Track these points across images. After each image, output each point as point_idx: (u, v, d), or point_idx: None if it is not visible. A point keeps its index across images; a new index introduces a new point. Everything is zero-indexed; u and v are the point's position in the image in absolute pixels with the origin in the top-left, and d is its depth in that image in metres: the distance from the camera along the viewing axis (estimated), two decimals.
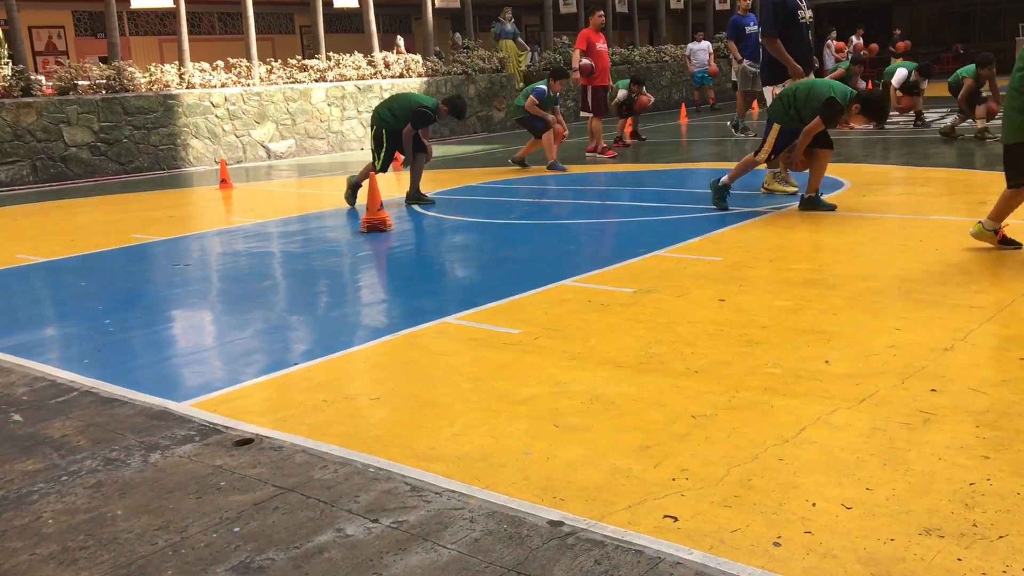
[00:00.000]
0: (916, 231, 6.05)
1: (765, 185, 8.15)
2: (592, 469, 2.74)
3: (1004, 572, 2.07)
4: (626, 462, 2.77)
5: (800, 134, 6.80)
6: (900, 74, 13.07)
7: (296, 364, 4.00)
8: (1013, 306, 4.16)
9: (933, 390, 3.21)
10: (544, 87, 11.12)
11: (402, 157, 9.19)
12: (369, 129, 8.99)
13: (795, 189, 7.88)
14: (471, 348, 4.10)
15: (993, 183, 7.76)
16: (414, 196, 8.84)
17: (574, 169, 11.15)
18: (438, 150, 15.63)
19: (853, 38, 24.04)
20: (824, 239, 5.97)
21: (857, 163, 10.03)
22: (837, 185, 8.25)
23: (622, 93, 13.60)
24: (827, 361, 3.59)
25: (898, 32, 26.69)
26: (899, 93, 13.05)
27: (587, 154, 12.35)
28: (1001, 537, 2.21)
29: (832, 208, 6.99)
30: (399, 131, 8.63)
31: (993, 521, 2.29)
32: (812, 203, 7.04)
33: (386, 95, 17.25)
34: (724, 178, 7.26)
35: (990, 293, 4.40)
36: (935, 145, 10.97)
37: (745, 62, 12.81)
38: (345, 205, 8.93)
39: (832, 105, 6.55)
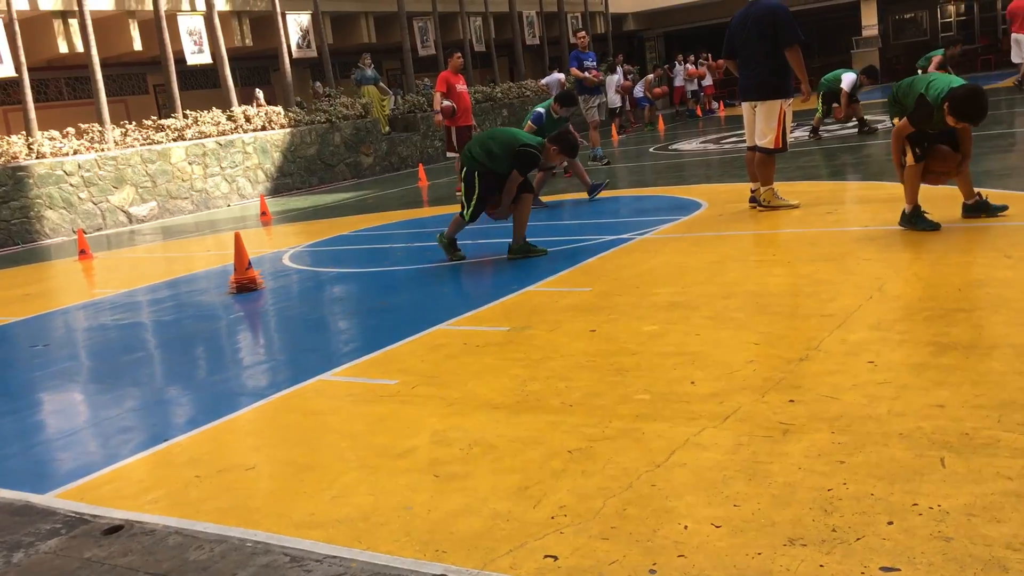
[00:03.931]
0: (770, 246, 6.34)
1: (764, 201, 7.75)
2: (473, 517, 2.76)
3: (862, 573, 2.19)
4: (506, 505, 2.81)
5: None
6: (849, 78, 13.00)
7: (167, 440, 3.88)
8: (859, 312, 4.41)
9: (791, 401, 3.37)
10: (542, 110, 10.24)
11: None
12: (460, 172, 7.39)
13: (797, 204, 7.70)
14: (348, 404, 4.07)
15: (838, 191, 8.23)
16: (521, 248, 7.17)
17: (445, 210, 11.23)
18: (305, 200, 15.49)
19: (704, 59, 25.14)
20: (685, 261, 6.19)
21: (713, 183, 10.47)
22: (695, 206, 8.58)
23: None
24: (693, 382, 3.73)
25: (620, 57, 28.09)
26: (853, 99, 13.22)
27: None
28: (859, 539, 2.34)
29: (1005, 208, 6.19)
30: (495, 174, 7.11)
31: (850, 524, 2.42)
32: (977, 209, 6.21)
33: (249, 149, 17.00)
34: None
35: (839, 301, 4.66)
36: (790, 159, 11.55)
37: (581, 98, 13.33)
38: (228, 261, 8.72)
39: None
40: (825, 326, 4.26)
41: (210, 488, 3.27)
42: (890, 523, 2.40)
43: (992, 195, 6.45)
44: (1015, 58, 16.96)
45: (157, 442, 3.87)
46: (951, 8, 32.20)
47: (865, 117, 13.64)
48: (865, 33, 28.98)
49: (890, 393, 3.32)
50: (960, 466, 2.68)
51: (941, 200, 6.74)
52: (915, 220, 6.03)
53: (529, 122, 10.24)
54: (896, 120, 6.06)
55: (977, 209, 6.16)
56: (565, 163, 9.18)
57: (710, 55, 25.45)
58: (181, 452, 3.72)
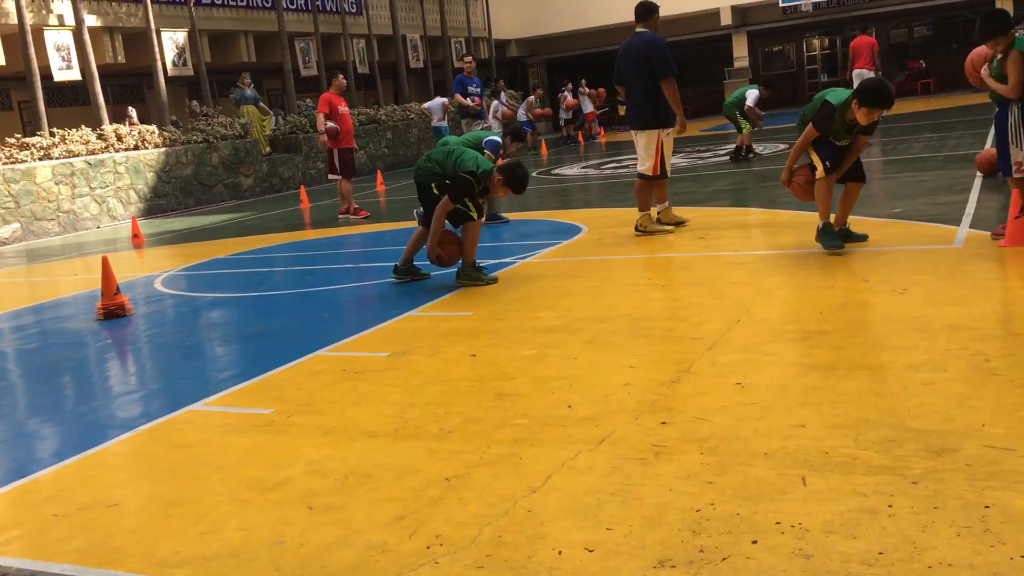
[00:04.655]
0: (646, 270, 6.51)
1: (640, 226, 7.88)
2: (347, 549, 2.71)
3: None
4: (381, 536, 2.77)
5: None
6: (753, 95, 13.49)
7: (23, 478, 3.67)
8: (729, 334, 4.57)
9: (663, 423, 3.45)
10: (498, 138, 9.43)
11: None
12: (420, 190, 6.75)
13: (671, 229, 7.86)
14: (220, 435, 3.94)
15: (710, 217, 8.50)
16: (469, 274, 6.64)
17: (328, 233, 11.08)
18: (181, 222, 15.02)
19: (583, 88, 25.70)
20: (565, 285, 6.28)
21: (593, 208, 10.68)
22: (576, 230, 8.73)
23: None
24: (570, 406, 3.78)
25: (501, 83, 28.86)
26: (758, 111, 13.62)
27: (340, 216, 12.32)
28: (724, 559, 2.41)
29: (864, 237, 6.40)
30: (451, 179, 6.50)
31: (717, 544, 2.49)
32: (843, 236, 6.36)
33: (121, 169, 16.41)
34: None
35: (709, 324, 4.81)
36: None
37: (464, 122, 13.48)
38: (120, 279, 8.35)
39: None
40: (696, 349, 4.39)
41: (70, 527, 3.11)
42: (754, 542, 2.48)
43: (850, 221, 6.78)
44: None
45: (9, 481, 3.65)
46: (816, 42, 33.90)
47: (752, 144, 14.10)
48: (736, 64, 30.20)
49: (756, 414, 3.44)
50: (820, 484, 2.79)
51: (804, 226, 7.06)
52: (825, 237, 6.14)
53: (487, 151, 10.07)
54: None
55: (844, 238, 6.37)
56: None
57: (584, 82, 26.05)
58: (41, 489, 3.52)
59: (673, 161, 8.15)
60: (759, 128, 14.21)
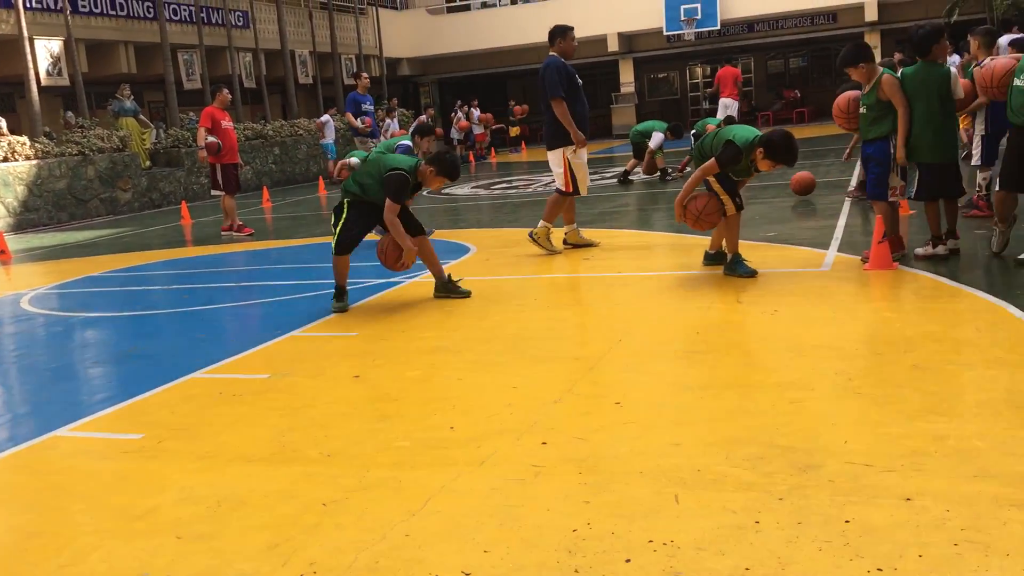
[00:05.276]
0: (531, 291, 6.57)
1: (536, 236, 8.00)
2: None
3: None
4: (253, 565, 2.69)
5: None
6: (658, 138, 13.72)
7: None
8: (610, 355, 4.65)
9: (544, 443, 3.48)
10: (407, 141, 9.42)
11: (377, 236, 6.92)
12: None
13: (561, 250, 7.98)
14: (86, 462, 3.77)
15: (595, 238, 8.65)
16: (445, 286, 6.52)
17: (210, 250, 10.77)
18: (53, 237, 14.35)
19: (473, 109, 25.89)
20: (453, 305, 6.27)
21: (484, 228, 10.72)
22: (464, 250, 8.75)
23: None
24: (452, 427, 3.77)
25: (512, 103, 29.17)
26: (656, 159, 13.82)
27: (223, 233, 12.01)
28: None
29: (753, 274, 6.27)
30: (370, 204, 6.36)
31: (592, 564, 2.52)
32: (717, 259, 6.54)
33: None
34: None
35: (592, 345, 4.89)
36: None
37: (358, 140, 13.40)
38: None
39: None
40: (579, 369, 4.45)
41: None
42: (628, 561, 2.52)
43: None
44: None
45: None
46: (698, 70, 35.04)
47: (665, 166, 14.34)
48: (623, 90, 30.93)
49: (634, 433, 3.51)
50: (692, 501, 2.86)
51: (685, 248, 7.26)
52: (736, 266, 6.28)
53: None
54: None
55: (717, 259, 6.59)
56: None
57: (476, 103, 26.26)
58: None
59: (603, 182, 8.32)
60: (654, 170, 14.32)
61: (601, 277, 6.88)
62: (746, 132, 6.19)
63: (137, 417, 4.33)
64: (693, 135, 14.06)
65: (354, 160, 9.17)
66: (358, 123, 13.53)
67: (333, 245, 6.40)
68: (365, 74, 14.64)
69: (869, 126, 6.25)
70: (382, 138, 18.03)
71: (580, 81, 8.00)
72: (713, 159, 6.13)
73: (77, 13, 19.26)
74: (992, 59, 6.58)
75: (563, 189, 8.00)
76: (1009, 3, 20.43)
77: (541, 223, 8.07)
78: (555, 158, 8.01)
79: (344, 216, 6.36)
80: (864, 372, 4.07)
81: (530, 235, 8.09)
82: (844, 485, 2.88)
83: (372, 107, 14.04)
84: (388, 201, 6.20)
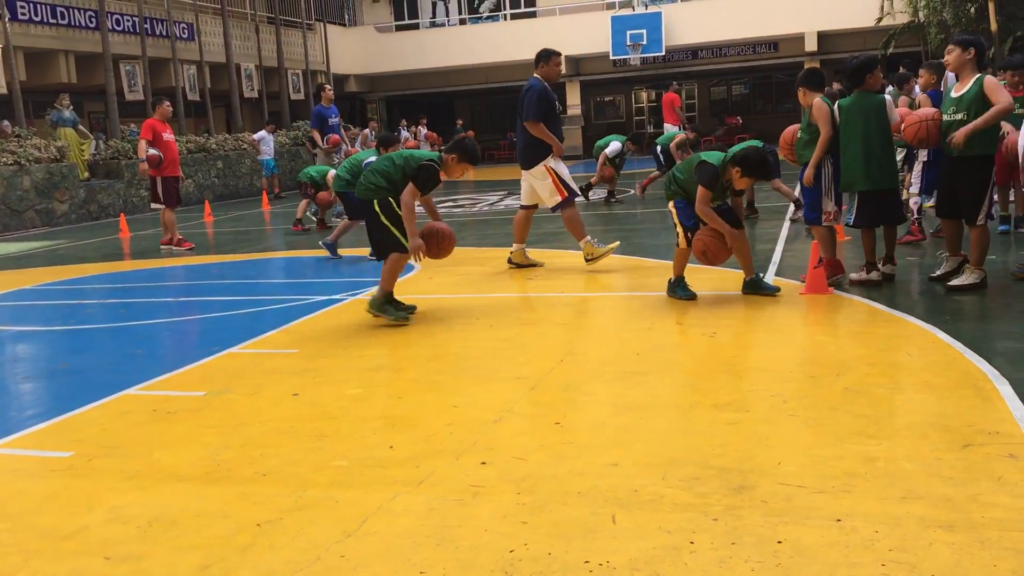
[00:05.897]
0: (475, 309, 6.57)
1: (587, 255, 7.88)
2: None
3: None
4: None
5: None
6: (614, 146, 13.75)
7: None
8: (551, 374, 4.67)
9: (483, 463, 3.47)
10: (373, 158, 9.18)
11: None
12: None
13: (613, 247, 7.90)
14: (11, 480, 3.66)
15: (539, 259, 8.69)
16: (378, 304, 6.27)
17: (148, 264, 10.57)
18: None
19: (420, 128, 25.92)
20: (395, 324, 6.23)
21: None
22: (407, 268, 8.71)
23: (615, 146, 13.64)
24: (391, 447, 3.74)
25: (460, 122, 29.24)
26: (606, 170, 13.77)
27: (163, 247, 11.79)
28: None
29: (777, 290, 6.31)
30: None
31: None
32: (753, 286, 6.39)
33: None
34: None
35: (534, 364, 4.90)
36: (499, 224, 12.08)
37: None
38: None
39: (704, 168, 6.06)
40: (519, 388, 4.45)
41: None
42: None
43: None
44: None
45: None
46: (643, 94, 35.56)
47: (615, 189, 14.40)
48: (570, 112, 31.19)
49: (573, 453, 3.52)
50: (628, 522, 2.88)
51: (628, 269, 7.32)
52: (676, 289, 6.27)
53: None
54: (671, 201, 6.36)
55: (755, 287, 6.31)
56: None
57: (424, 121, 26.27)
58: None
59: (508, 202, 8.32)
60: (610, 181, 14.33)
61: (545, 297, 6.91)
62: (713, 155, 6.19)
63: (67, 434, 4.22)
64: (660, 151, 14.18)
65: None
66: (322, 143, 13.41)
67: (404, 243, 6.10)
68: (328, 86, 14.54)
69: (802, 149, 6.42)
70: (356, 147, 17.82)
71: (560, 107, 8.14)
72: (700, 187, 6.03)
73: (16, 21, 18.84)
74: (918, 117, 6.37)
75: (560, 199, 8.00)
76: (942, 38, 21.12)
77: (581, 243, 8.00)
78: (538, 173, 8.00)
79: (389, 217, 6.13)
80: (799, 394, 4.14)
81: (586, 260, 7.97)
82: (777, 506, 2.93)
83: (338, 119, 13.95)
84: (411, 185, 6.06)
